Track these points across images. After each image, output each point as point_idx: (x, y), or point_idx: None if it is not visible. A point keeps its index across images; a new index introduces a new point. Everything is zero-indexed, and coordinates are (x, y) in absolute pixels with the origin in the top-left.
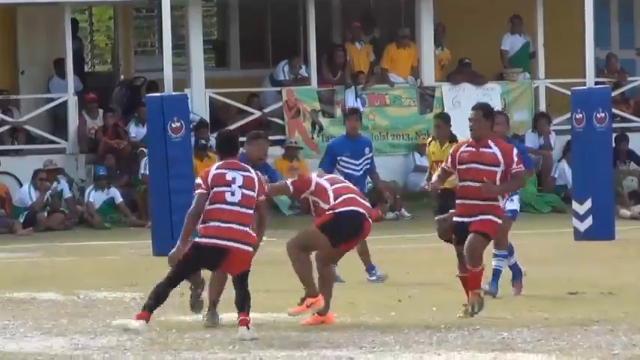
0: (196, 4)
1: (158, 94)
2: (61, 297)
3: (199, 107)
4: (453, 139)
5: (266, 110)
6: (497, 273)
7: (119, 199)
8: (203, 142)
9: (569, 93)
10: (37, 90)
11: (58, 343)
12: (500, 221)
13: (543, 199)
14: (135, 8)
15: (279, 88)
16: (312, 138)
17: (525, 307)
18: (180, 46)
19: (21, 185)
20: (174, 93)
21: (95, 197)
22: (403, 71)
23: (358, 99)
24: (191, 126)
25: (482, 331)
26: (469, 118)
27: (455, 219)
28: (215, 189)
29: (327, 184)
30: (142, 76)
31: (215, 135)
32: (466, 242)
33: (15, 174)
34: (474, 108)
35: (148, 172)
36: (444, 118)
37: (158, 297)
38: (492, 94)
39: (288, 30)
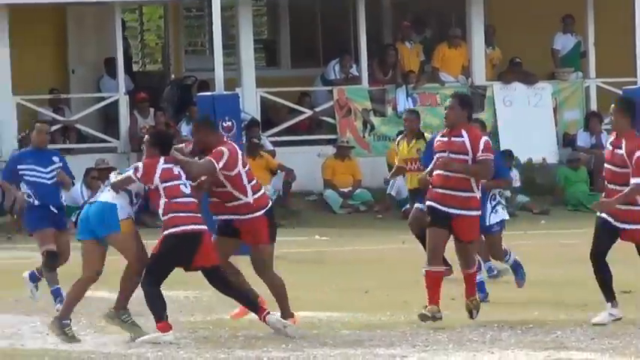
0: (246, 4)
1: (209, 93)
2: (113, 295)
3: (250, 106)
4: (420, 135)
5: (317, 109)
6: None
7: None
8: (255, 140)
9: (620, 92)
10: (87, 89)
11: (111, 342)
12: (478, 213)
13: (595, 199)
14: (185, 8)
15: (330, 88)
16: (364, 137)
17: (578, 307)
18: (231, 45)
19: (73, 184)
20: (225, 92)
21: None
22: (454, 70)
23: (409, 98)
24: (242, 125)
25: (535, 330)
26: (445, 106)
27: (427, 203)
28: (168, 183)
29: (245, 178)
30: (192, 75)
31: (151, 131)
32: (458, 248)
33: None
34: (451, 96)
35: None
36: (415, 114)
37: (158, 302)
38: (543, 93)
39: (339, 29)
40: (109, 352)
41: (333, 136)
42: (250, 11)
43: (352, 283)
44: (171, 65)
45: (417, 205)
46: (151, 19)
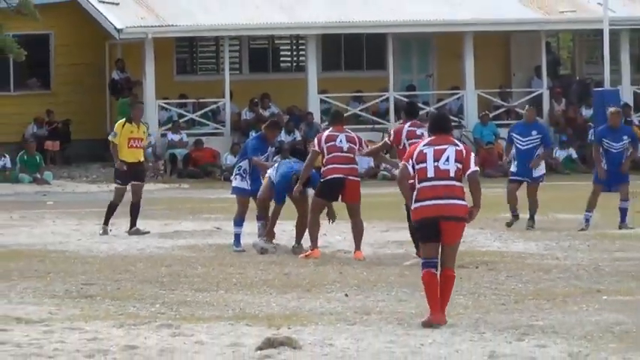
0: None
1: (600, 89)
2: None
3: (628, 98)
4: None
5: None
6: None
7: None
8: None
9: None
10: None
11: None
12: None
13: None
14: (586, 34)
15: None
16: None
17: None
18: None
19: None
20: (609, 88)
21: None
22: None
23: None
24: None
25: None
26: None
27: None
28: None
29: None
30: (590, 77)
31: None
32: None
33: None
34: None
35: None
36: None
37: None
38: None
39: None
40: None
41: None
42: None
43: None
44: (575, 70)
45: None
46: (564, 41)
